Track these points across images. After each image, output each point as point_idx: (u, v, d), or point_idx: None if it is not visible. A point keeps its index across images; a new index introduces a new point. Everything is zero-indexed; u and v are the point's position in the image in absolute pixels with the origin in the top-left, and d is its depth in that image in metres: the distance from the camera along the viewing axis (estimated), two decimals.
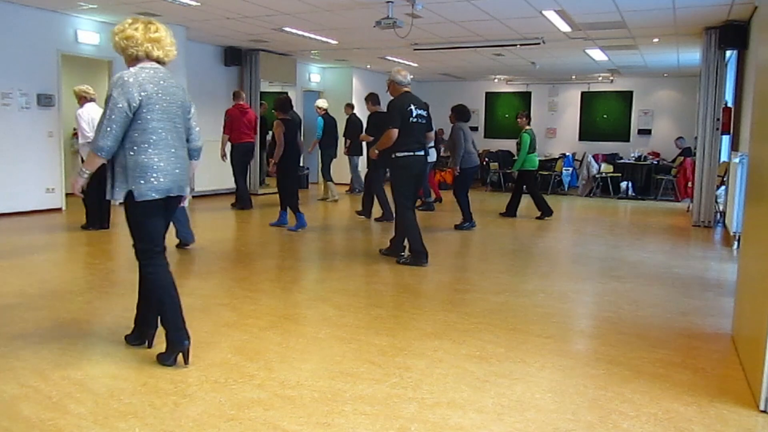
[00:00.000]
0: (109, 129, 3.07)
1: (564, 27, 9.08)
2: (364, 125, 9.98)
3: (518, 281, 5.56)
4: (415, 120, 6.00)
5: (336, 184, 11.83)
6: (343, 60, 13.93)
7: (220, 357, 3.49)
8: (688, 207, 10.71)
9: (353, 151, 11.68)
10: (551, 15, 8.35)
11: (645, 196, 13.30)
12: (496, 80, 16.97)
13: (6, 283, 5.09)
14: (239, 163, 9.98)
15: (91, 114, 7.13)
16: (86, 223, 7.60)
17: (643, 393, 3.12)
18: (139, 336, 3.65)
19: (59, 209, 9.23)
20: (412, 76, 6.29)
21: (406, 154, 6.00)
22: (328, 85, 15.32)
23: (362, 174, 12.09)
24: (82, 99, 7.21)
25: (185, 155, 3.40)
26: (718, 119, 8.91)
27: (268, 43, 11.43)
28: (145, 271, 3.38)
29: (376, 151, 6.39)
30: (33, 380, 3.14)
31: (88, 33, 9.44)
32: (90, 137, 7.06)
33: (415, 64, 14.15)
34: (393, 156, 6.05)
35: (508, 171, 14.77)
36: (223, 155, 9.86)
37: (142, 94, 3.11)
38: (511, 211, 9.97)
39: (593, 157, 13.98)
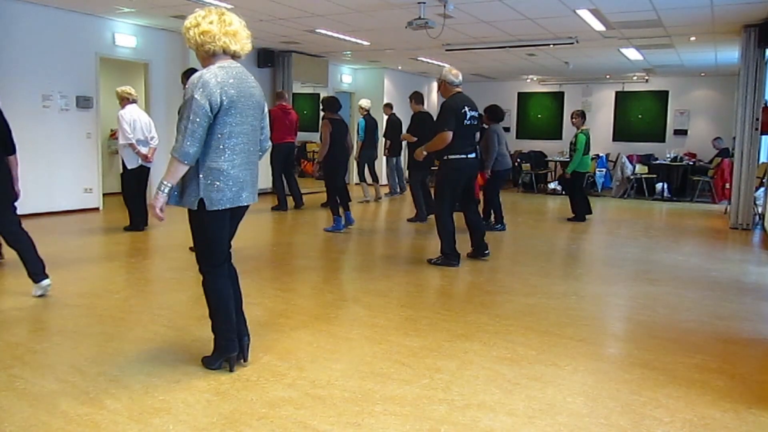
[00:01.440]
0: (194, 133, 2.88)
1: (598, 26, 8.96)
2: (404, 125, 9.97)
3: (550, 283, 5.51)
4: (468, 122, 5.93)
5: (381, 185, 11.92)
6: (375, 61, 13.96)
7: (251, 356, 3.52)
8: (726, 209, 10.48)
9: (393, 151, 11.66)
10: (585, 14, 8.24)
11: (681, 198, 13.05)
12: (528, 80, 16.83)
13: None
14: (280, 164, 9.99)
15: (133, 115, 7.26)
16: (130, 224, 7.69)
17: (678, 398, 3.07)
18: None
19: (96, 209, 9.42)
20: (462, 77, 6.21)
21: (458, 156, 5.91)
22: (360, 85, 15.37)
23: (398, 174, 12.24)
24: (125, 100, 7.34)
25: (257, 159, 3.26)
26: (757, 119, 8.70)
27: (300, 44, 11.51)
28: (204, 278, 3.24)
29: (424, 153, 6.26)
30: (71, 376, 3.22)
31: (125, 36, 9.63)
32: (131, 138, 7.21)
33: (447, 65, 14.09)
34: (444, 158, 5.96)
35: (539, 171, 14.65)
36: None
37: (224, 96, 2.94)
38: (580, 215, 9.56)
39: (627, 157, 13.77)
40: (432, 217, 8.99)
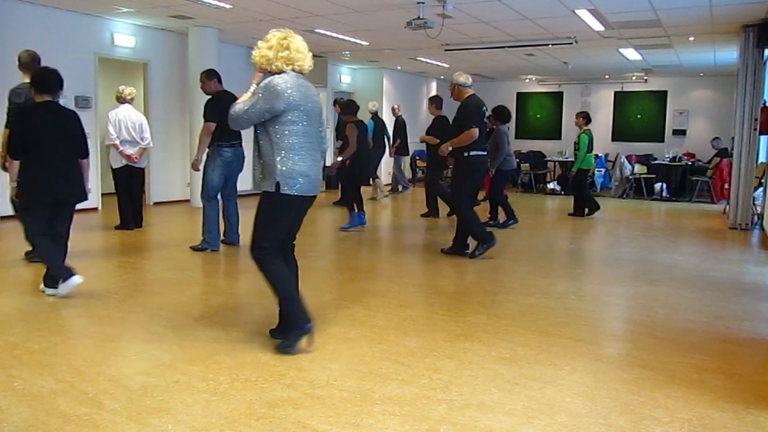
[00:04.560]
0: (245, 116, 3.40)
1: (597, 26, 8.97)
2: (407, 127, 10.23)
3: (549, 283, 5.51)
4: (485, 121, 6.34)
5: (385, 185, 12.30)
6: (374, 61, 13.96)
7: (250, 356, 3.52)
8: (725, 209, 10.48)
9: (401, 151, 12.19)
10: (584, 14, 8.25)
11: (680, 198, 13.06)
12: (527, 80, 16.84)
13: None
14: None
15: (119, 116, 7.27)
16: (120, 223, 7.72)
17: (677, 398, 3.07)
18: (284, 331, 3.70)
19: (95, 209, 9.42)
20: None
21: (478, 153, 6.29)
22: (359, 85, 15.37)
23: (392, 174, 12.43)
24: (118, 100, 7.38)
25: (319, 158, 3.67)
26: (756, 119, 8.70)
27: None
28: (263, 267, 3.54)
29: (450, 149, 6.43)
30: (70, 376, 3.21)
31: (124, 36, 9.62)
32: (114, 138, 7.25)
33: (446, 65, 14.11)
34: (465, 155, 6.23)
35: (538, 171, 14.66)
36: None
37: (289, 100, 3.38)
38: (580, 210, 9.96)
39: (626, 157, 13.77)
40: (434, 213, 9.54)
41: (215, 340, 3.81)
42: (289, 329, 3.60)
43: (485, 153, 6.44)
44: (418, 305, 4.73)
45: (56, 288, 4.62)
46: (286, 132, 3.44)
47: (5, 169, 4.87)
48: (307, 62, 3.56)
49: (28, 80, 5.12)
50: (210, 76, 6.50)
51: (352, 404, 2.93)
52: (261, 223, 3.55)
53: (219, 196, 6.59)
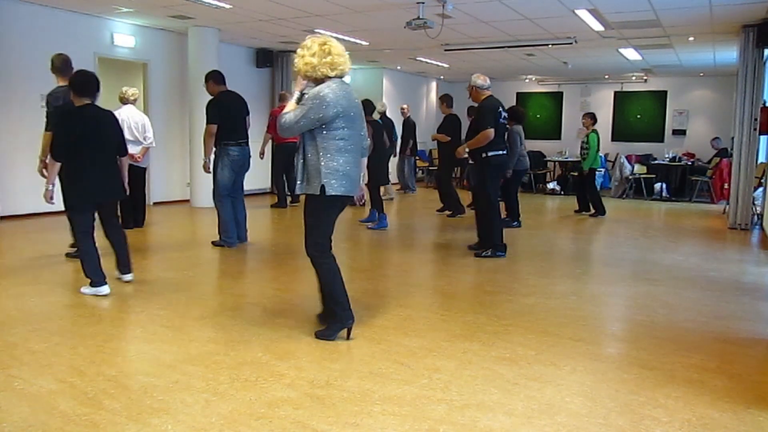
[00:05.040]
0: (296, 126, 3.58)
1: (597, 26, 8.97)
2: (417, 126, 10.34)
3: (549, 283, 5.51)
4: (502, 122, 6.44)
5: (393, 184, 12.27)
6: (374, 61, 13.96)
7: (250, 356, 3.53)
8: (724, 209, 10.49)
9: (411, 151, 12.40)
10: (584, 14, 8.25)
11: (679, 198, 13.06)
12: (527, 80, 16.84)
13: (42, 279, 5.22)
14: (282, 163, 10.23)
15: (122, 116, 7.28)
16: (120, 222, 7.70)
17: (677, 398, 3.07)
18: (327, 319, 3.95)
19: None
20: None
21: (498, 153, 6.41)
22: (359, 85, 15.36)
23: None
24: (121, 100, 7.39)
25: (360, 159, 3.86)
26: (755, 119, 8.70)
27: (299, 44, 11.47)
28: (318, 263, 3.80)
29: (467, 150, 6.62)
30: (69, 376, 3.21)
31: (123, 36, 9.62)
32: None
33: (446, 65, 14.11)
34: (484, 155, 6.37)
35: (538, 171, 14.66)
36: (262, 153, 10.15)
37: (337, 109, 3.57)
38: (597, 209, 10.09)
39: (626, 157, 13.77)
40: (439, 209, 9.77)
41: (215, 340, 3.81)
42: (332, 321, 3.85)
43: (504, 153, 6.52)
44: (418, 305, 4.73)
45: (129, 273, 5.09)
46: (332, 137, 3.62)
47: (43, 174, 5.24)
48: (347, 65, 3.71)
49: (62, 83, 5.38)
50: (212, 78, 6.66)
51: (352, 404, 2.93)
52: (312, 224, 3.77)
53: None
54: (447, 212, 9.74)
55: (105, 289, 4.74)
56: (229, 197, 6.66)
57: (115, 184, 4.89)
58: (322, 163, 3.62)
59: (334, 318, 3.85)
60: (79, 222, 4.82)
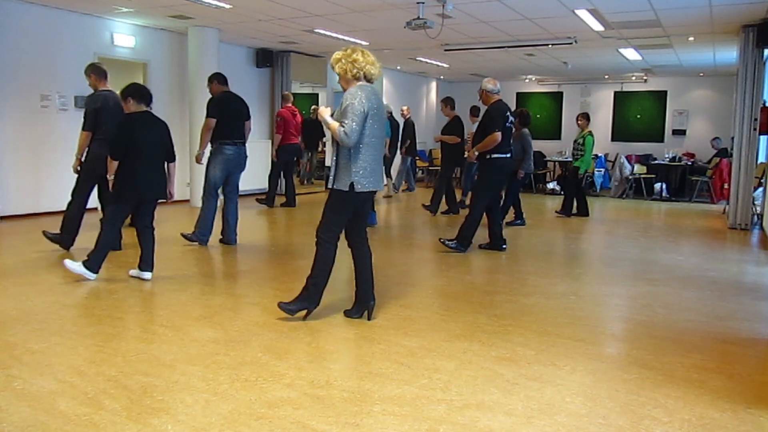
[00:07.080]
0: (355, 126, 3.83)
1: (597, 26, 8.97)
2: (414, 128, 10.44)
3: (548, 283, 5.51)
4: (509, 125, 6.61)
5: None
6: None
7: (250, 356, 3.53)
8: (724, 209, 10.49)
9: (410, 152, 12.56)
10: (584, 14, 8.25)
11: (679, 198, 13.06)
12: (527, 80, 16.83)
13: (42, 279, 5.22)
14: (284, 163, 10.32)
15: None
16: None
17: (677, 398, 3.07)
18: (359, 310, 4.27)
19: (95, 209, 9.39)
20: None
21: (503, 155, 6.58)
22: None
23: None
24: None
25: (381, 157, 4.19)
26: (755, 119, 8.70)
27: (299, 44, 11.51)
28: (325, 246, 4.07)
29: (476, 153, 6.66)
30: (69, 376, 3.22)
31: (123, 36, 9.61)
32: None
33: (446, 65, 14.11)
34: (488, 158, 6.54)
35: (537, 171, 14.66)
36: (276, 156, 10.22)
37: (368, 106, 3.89)
38: (582, 210, 10.07)
39: (626, 158, 13.78)
40: (454, 209, 9.87)
41: (215, 340, 3.81)
42: (300, 296, 4.16)
43: (508, 156, 6.64)
44: (418, 305, 4.73)
45: (150, 271, 5.29)
46: (365, 138, 3.92)
47: (77, 171, 6.15)
48: (377, 70, 4.05)
49: (103, 88, 6.06)
50: (216, 79, 6.82)
51: (352, 404, 2.93)
52: (331, 213, 4.07)
53: (220, 192, 6.69)
54: (441, 210, 9.87)
55: (92, 277, 5.14)
56: (218, 196, 6.72)
57: (160, 185, 5.29)
58: (352, 163, 3.92)
59: (305, 294, 4.14)
60: (116, 211, 5.33)
